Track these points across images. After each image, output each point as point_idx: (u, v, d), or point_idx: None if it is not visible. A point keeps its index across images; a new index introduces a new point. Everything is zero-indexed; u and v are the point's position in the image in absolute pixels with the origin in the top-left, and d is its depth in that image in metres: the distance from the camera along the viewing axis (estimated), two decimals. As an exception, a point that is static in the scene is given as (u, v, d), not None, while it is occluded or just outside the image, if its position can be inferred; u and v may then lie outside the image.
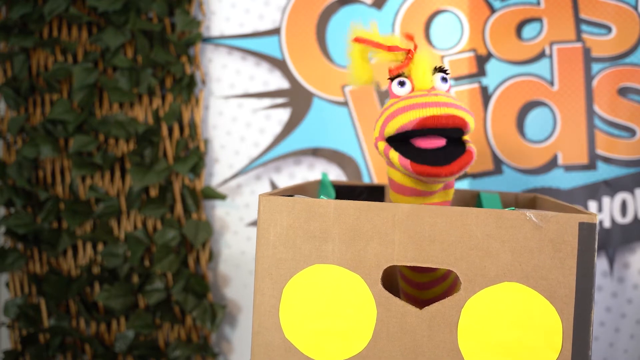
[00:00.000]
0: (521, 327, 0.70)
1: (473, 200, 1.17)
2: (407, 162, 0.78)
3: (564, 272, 0.69)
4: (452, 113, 0.75)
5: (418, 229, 0.72)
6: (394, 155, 0.80)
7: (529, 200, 1.12)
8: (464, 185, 1.49)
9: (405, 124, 0.77)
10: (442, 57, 1.49)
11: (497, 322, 0.70)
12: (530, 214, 0.70)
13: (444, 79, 0.84)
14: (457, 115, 0.75)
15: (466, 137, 0.81)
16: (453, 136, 0.79)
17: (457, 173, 0.77)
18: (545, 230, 0.69)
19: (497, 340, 0.70)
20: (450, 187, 0.90)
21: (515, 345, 0.70)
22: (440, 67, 0.85)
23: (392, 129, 0.80)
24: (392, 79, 0.86)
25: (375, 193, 1.24)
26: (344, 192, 1.22)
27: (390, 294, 0.72)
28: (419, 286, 0.95)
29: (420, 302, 0.73)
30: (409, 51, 0.86)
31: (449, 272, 0.95)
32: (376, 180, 1.52)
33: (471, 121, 0.77)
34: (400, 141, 0.80)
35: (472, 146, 0.79)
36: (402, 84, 0.84)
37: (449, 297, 0.71)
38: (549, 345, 0.69)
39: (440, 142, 0.78)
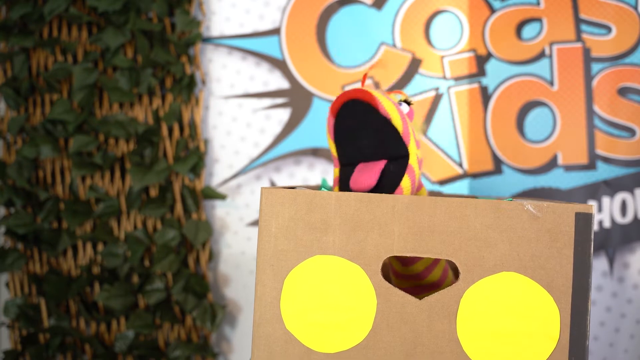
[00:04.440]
0: (519, 316, 0.70)
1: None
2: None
3: (561, 262, 0.69)
4: (355, 88, 0.77)
5: (417, 219, 0.72)
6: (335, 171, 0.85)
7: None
8: (463, 185, 1.49)
9: (328, 119, 0.81)
10: (442, 57, 1.49)
11: (495, 312, 0.70)
12: (527, 204, 0.70)
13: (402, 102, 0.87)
14: (361, 89, 0.76)
15: (412, 155, 0.80)
16: (397, 154, 0.79)
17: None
18: (542, 221, 0.70)
19: (496, 329, 0.70)
20: (420, 187, 0.92)
21: (514, 334, 0.70)
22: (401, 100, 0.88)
23: (329, 139, 0.84)
24: None
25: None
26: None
27: (390, 285, 0.73)
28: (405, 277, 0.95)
29: (411, 290, 0.74)
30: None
31: (442, 279, 0.95)
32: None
33: (384, 101, 0.77)
34: (349, 165, 0.82)
35: (405, 183, 0.79)
36: None
37: (447, 288, 0.71)
38: (547, 334, 0.70)
39: (370, 181, 0.78)
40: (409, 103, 0.87)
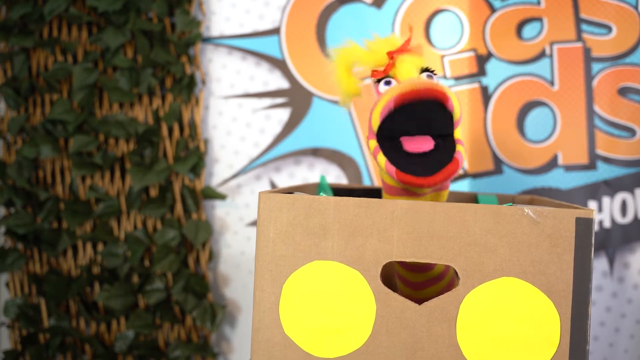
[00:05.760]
0: (519, 321, 0.70)
1: (470, 201, 1.17)
2: (392, 169, 0.78)
3: (562, 267, 0.69)
4: (430, 87, 0.74)
5: (417, 225, 0.72)
6: (382, 159, 0.80)
7: (526, 202, 1.12)
8: (463, 185, 1.49)
9: (387, 103, 0.77)
10: (442, 56, 1.49)
11: (495, 317, 0.70)
12: (527, 209, 0.70)
13: (430, 77, 0.85)
14: (436, 88, 0.74)
15: (457, 134, 0.80)
16: (442, 133, 0.78)
17: (441, 183, 0.76)
18: (542, 226, 0.70)
19: (496, 334, 0.70)
20: (444, 189, 0.90)
21: (514, 339, 0.70)
22: (425, 68, 0.86)
23: (376, 116, 0.79)
24: (378, 81, 0.86)
25: (373, 196, 1.24)
26: (342, 194, 1.22)
27: (390, 290, 0.73)
28: (414, 286, 0.95)
29: (416, 302, 0.73)
30: (391, 56, 0.86)
31: (444, 272, 0.95)
32: (376, 180, 1.52)
33: (453, 98, 0.76)
34: (390, 139, 0.79)
35: (461, 150, 0.78)
36: (388, 83, 0.86)
37: (447, 293, 0.71)
38: (547, 339, 0.69)
39: (428, 144, 0.77)
40: (432, 72, 0.86)
